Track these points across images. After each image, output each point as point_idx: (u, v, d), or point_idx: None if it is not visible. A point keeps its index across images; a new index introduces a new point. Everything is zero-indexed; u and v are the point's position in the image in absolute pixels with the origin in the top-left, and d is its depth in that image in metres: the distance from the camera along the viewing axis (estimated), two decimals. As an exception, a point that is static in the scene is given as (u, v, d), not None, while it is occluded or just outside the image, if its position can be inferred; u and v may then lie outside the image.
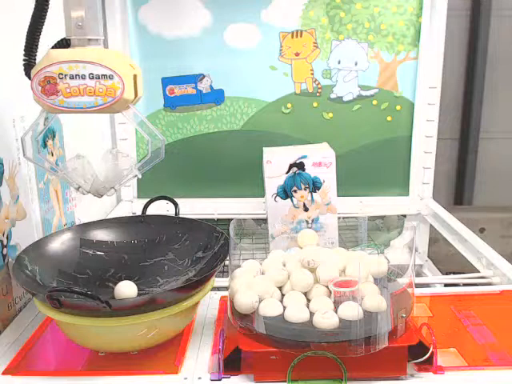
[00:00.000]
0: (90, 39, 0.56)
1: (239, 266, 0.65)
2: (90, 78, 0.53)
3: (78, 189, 0.63)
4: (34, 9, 0.57)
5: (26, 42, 0.58)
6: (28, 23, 0.58)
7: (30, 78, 0.57)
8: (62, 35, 0.58)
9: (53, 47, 0.58)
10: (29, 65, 0.58)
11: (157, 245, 0.75)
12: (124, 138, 1.23)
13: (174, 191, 1.15)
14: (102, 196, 0.64)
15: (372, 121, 1.23)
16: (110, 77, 0.53)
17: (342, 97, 1.22)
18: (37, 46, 0.58)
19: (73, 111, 0.55)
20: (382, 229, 0.73)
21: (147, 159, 0.59)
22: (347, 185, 1.03)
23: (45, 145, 0.84)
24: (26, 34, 0.58)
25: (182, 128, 1.23)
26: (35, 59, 0.58)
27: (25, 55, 0.58)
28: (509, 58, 1.57)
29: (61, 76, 0.53)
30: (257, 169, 0.98)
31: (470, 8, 1.55)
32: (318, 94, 1.22)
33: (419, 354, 0.56)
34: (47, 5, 0.57)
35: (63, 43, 0.57)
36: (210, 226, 0.73)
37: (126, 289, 0.65)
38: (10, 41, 0.74)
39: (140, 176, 0.61)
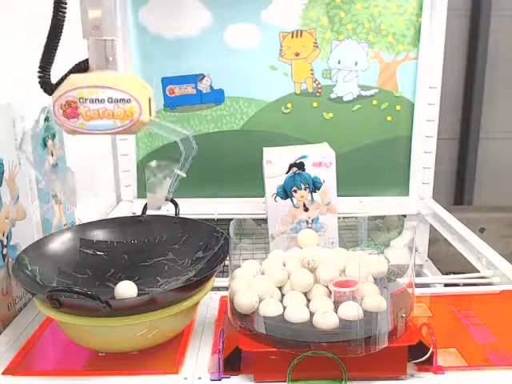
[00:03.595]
0: (107, 60, 0.57)
1: (239, 266, 0.65)
2: (108, 101, 0.55)
3: (53, 196, 0.64)
4: (50, 26, 0.58)
5: (43, 59, 0.59)
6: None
7: (48, 93, 0.58)
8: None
9: (71, 71, 0.59)
10: (44, 81, 0.59)
11: (157, 245, 0.75)
12: (124, 138, 1.23)
13: (174, 191, 1.15)
14: (160, 208, 0.65)
15: (372, 121, 1.23)
16: (128, 101, 0.56)
17: (342, 97, 1.22)
18: (52, 61, 0.59)
19: (93, 133, 0.57)
20: (381, 229, 0.73)
21: (184, 157, 0.61)
22: (347, 185, 1.02)
23: (45, 145, 0.84)
24: (42, 50, 0.59)
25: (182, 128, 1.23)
26: (50, 75, 0.59)
27: (40, 72, 0.59)
28: (509, 57, 1.57)
29: (81, 100, 0.55)
30: (257, 169, 0.98)
31: (470, 8, 1.55)
32: (317, 94, 1.22)
33: (419, 354, 0.56)
34: (63, 21, 0.58)
35: (81, 66, 0.59)
36: (210, 226, 0.73)
37: (126, 289, 0.65)
38: (9, 41, 0.74)
39: (185, 175, 0.62)
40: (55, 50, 0.59)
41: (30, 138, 0.79)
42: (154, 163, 0.63)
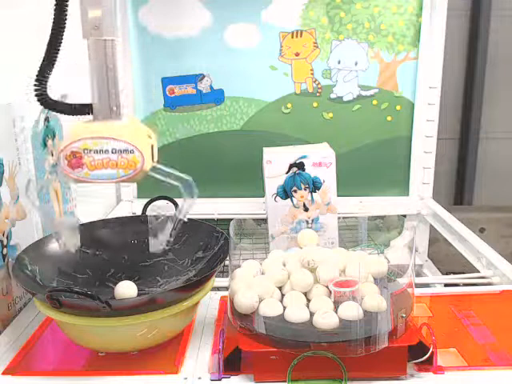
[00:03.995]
0: (111, 109, 0.59)
1: (239, 266, 0.65)
2: (112, 152, 0.57)
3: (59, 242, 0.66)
4: (49, 42, 0.59)
5: (40, 71, 0.60)
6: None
7: (45, 106, 0.60)
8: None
9: (74, 109, 0.60)
10: (40, 94, 0.60)
11: (157, 245, 0.75)
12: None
13: (174, 191, 1.15)
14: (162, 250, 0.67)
15: (372, 121, 1.23)
16: (131, 151, 0.57)
17: (342, 97, 1.22)
18: (50, 74, 0.60)
19: (96, 182, 0.59)
20: (381, 229, 0.73)
21: (185, 202, 0.62)
22: (347, 185, 1.02)
23: (45, 145, 0.84)
24: (41, 61, 0.59)
25: (182, 128, 1.23)
26: (46, 87, 0.60)
27: (37, 84, 0.60)
28: (509, 57, 1.57)
29: (86, 151, 0.57)
30: (257, 169, 0.98)
31: (470, 8, 1.55)
32: (317, 94, 1.22)
33: (419, 354, 0.56)
34: (62, 35, 0.59)
35: (86, 111, 0.60)
36: (210, 226, 0.73)
37: (126, 289, 0.65)
38: (10, 41, 0.74)
39: (186, 220, 0.63)
40: (53, 63, 0.59)
41: (30, 138, 0.79)
42: (156, 205, 0.65)
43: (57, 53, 0.59)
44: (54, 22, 0.58)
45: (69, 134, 0.58)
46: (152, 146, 0.60)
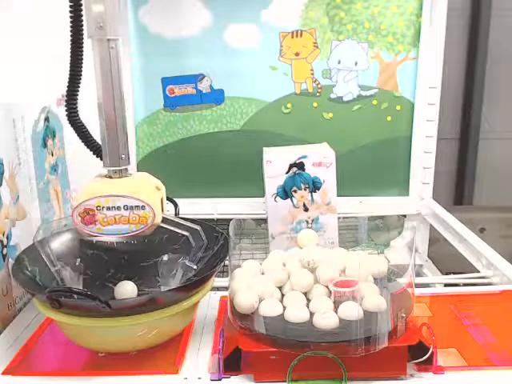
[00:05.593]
0: (121, 158, 0.62)
1: (239, 266, 0.65)
2: (124, 209, 0.60)
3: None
4: (71, 61, 0.62)
5: (68, 94, 0.63)
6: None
7: (72, 123, 0.64)
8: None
9: (90, 144, 0.65)
10: (73, 113, 0.64)
11: (157, 245, 0.74)
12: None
13: (174, 191, 1.15)
14: None
15: (372, 121, 1.23)
16: (142, 207, 0.60)
17: (342, 97, 1.22)
18: (78, 91, 0.63)
19: (109, 237, 0.63)
20: (381, 229, 0.73)
21: (194, 250, 0.65)
22: (347, 185, 1.02)
23: (45, 145, 0.84)
24: (67, 83, 0.63)
25: (182, 128, 1.23)
26: (77, 106, 0.64)
27: (67, 105, 0.63)
28: (509, 57, 1.57)
29: (98, 208, 0.59)
30: (257, 169, 0.98)
31: (470, 8, 1.55)
32: (318, 94, 1.22)
33: (419, 354, 0.56)
34: (82, 51, 0.61)
35: (96, 151, 0.65)
36: (210, 226, 0.73)
37: (126, 289, 0.65)
38: (10, 41, 0.74)
39: (196, 267, 0.66)
40: (79, 82, 0.63)
41: (30, 138, 0.79)
42: (165, 257, 0.69)
43: (81, 69, 0.62)
44: (72, 40, 0.60)
45: (83, 191, 0.60)
46: (161, 199, 0.62)
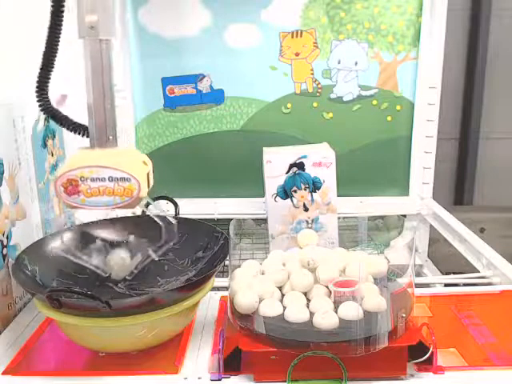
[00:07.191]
0: (108, 138, 0.60)
1: (239, 266, 0.65)
2: (109, 180, 0.58)
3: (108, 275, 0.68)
4: (46, 45, 0.60)
5: (39, 79, 0.61)
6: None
7: (49, 114, 0.61)
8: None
9: (73, 127, 0.62)
10: (45, 108, 0.62)
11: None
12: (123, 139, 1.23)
13: (174, 191, 1.15)
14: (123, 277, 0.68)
15: (372, 121, 1.23)
16: (128, 179, 0.58)
17: (342, 97, 1.22)
18: (49, 81, 0.61)
19: (93, 209, 0.60)
20: (381, 229, 0.73)
21: (162, 242, 0.65)
22: (347, 185, 1.02)
23: (45, 145, 0.84)
24: (39, 70, 0.61)
25: (182, 128, 1.23)
26: (48, 96, 0.62)
27: (38, 94, 0.61)
28: (509, 57, 1.57)
29: (82, 179, 0.58)
30: (257, 169, 0.98)
31: (470, 8, 1.55)
32: (318, 94, 1.22)
33: (419, 354, 0.56)
34: (58, 39, 0.60)
35: (83, 132, 0.62)
36: (210, 226, 0.73)
37: (119, 258, 0.65)
38: (10, 41, 0.74)
39: (156, 259, 0.66)
40: (52, 68, 0.60)
41: (30, 138, 0.79)
42: (132, 238, 0.68)
43: (54, 57, 0.60)
44: (50, 26, 0.58)
45: (67, 162, 0.59)
46: (148, 174, 0.61)
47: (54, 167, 0.87)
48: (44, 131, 0.84)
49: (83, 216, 0.98)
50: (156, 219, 0.61)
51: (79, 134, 0.62)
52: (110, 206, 0.59)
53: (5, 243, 0.72)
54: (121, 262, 0.65)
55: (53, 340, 0.67)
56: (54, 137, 0.87)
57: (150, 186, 0.61)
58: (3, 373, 0.59)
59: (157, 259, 0.64)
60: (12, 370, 0.60)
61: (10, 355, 0.63)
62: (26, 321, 0.71)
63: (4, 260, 0.72)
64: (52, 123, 0.86)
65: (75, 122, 0.63)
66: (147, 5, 1.17)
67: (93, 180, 0.58)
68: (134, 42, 1.19)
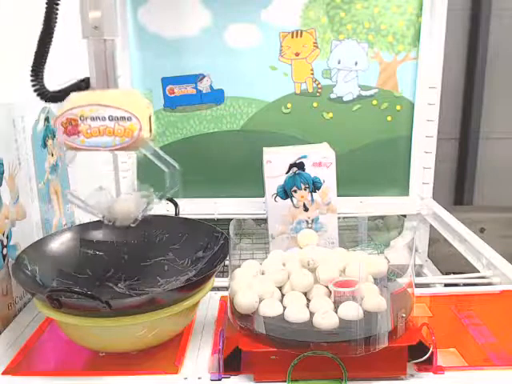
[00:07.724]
0: (108, 77, 0.59)
1: (239, 266, 0.65)
2: (109, 119, 0.56)
3: (102, 218, 0.65)
4: (41, 33, 0.59)
5: (34, 63, 0.59)
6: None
7: (44, 99, 0.60)
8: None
9: (72, 87, 0.60)
10: (39, 88, 0.60)
11: (157, 245, 0.75)
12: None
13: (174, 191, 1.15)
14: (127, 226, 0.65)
15: (372, 121, 1.23)
16: (129, 119, 0.56)
17: (342, 97, 1.22)
18: (44, 65, 0.60)
19: (92, 149, 0.59)
20: (381, 229, 0.73)
21: (166, 188, 0.62)
22: (347, 185, 1.02)
23: (45, 145, 0.84)
24: (34, 52, 0.59)
25: (182, 128, 1.23)
26: (43, 79, 0.60)
27: (33, 78, 0.60)
28: (509, 57, 1.57)
29: (82, 118, 0.56)
30: (257, 169, 0.98)
31: (470, 8, 1.55)
32: (318, 94, 1.22)
33: (419, 354, 0.56)
34: (54, 27, 0.59)
35: (82, 85, 0.60)
36: (210, 226, 0.73)
37: (124, 203, 0.63)
38: (10, 40, 0.74)
39: (159, 203, 0.64)
40: (47, 52, 0.59)
41: (30, 138, 0.79)
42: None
43: (49, 43, 0.59)
44: (45, 13, 0.58)
45: (67, 101, 0.57)
46: (150, 117, 0.59)
47: (54, 167, 0.87)
48: (44, 131, 0.84)
49: (82, 216, 0.98)
50: (159, 164, 0.60)
51: (83, 86, 0.60)
52: (110, 147, 0.57)
53: (5, 243, 0.72)
54: (125, 209, 0.63)
55: (53, 340, 0.67)
56: (54, 137, 0.87)
57: (153, 131, 0.60)
58: (3, 373, 0.59)
59: (159, 203, 0.62)
60: (12, 370, 0.60)
61: (10, 355, 0.63)
62: (25, 321, 0.71)
63: (4, 260, 0.72)
64: (52, 123, 0.86)
65: (73, 86, 0.60)
66: (147, 4, 1.17)
67: (93, 119, 0.56)
68: (133, 42, 1.19)
